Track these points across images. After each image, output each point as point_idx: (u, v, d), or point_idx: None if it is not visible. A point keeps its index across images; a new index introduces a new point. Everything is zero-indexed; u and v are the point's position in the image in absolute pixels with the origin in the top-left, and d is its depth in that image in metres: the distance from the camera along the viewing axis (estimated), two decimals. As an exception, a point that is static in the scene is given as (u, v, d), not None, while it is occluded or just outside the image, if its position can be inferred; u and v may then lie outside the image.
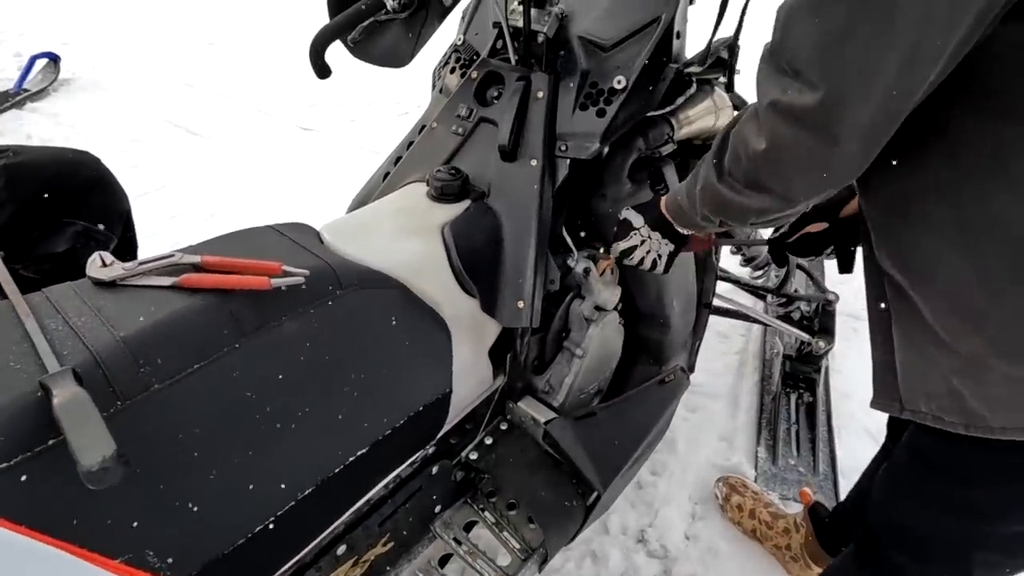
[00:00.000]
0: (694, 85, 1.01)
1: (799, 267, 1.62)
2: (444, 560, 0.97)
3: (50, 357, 0.54)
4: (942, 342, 0.61)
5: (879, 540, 0.82)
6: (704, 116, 1.10)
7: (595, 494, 0.97)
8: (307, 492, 0.67)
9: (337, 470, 0.70)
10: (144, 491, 0.55)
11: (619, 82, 0.91)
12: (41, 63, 3.60)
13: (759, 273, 1.78)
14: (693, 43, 1.02)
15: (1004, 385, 0.58)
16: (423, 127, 1.08)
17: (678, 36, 0.95)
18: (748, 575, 1.18)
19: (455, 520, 1.00)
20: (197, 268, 0.66)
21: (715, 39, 1.00)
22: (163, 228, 2.33)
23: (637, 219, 0.90)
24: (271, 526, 0.63)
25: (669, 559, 1.27)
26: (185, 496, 0.57)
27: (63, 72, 3.69)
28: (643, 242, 0.90)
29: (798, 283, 1.72)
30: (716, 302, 1.54)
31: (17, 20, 4.74)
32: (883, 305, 0.68)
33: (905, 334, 0.66)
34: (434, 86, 1.19)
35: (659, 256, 0.90)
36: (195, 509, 0.58)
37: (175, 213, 2.49)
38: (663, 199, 0.87)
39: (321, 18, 0.96)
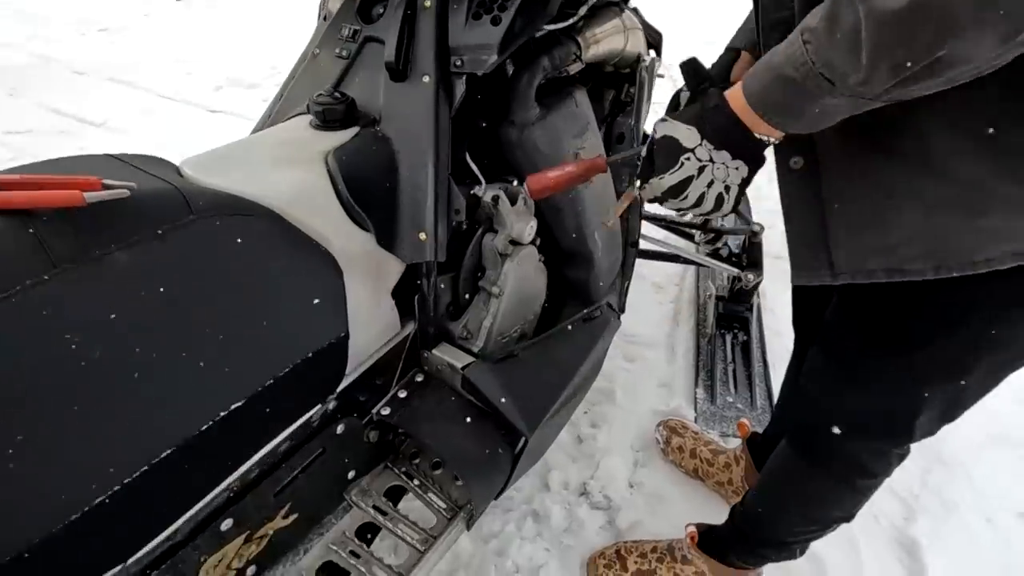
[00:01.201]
0: None
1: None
2: (363, 530, 0.88)
3: None
4: (927, 175, 0.54)
5: (827, 433, 0.77)
6: (612, 35, 1.04)
7: (523, 440, 0.90)
8: (163, 455, 0.56)
9: (204, 428, 0.59)
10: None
11: (512, -15, 0.82)
12: None
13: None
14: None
15: (1001, 214, 0.52)
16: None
17: None
18: (693, 514, 1.15)
19: (374, 487, 0.91)
20: (-9, 189, 0.53)
21: None
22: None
23: (689, 135, 0.59)
24: (115, 498, 0.52)
25: (613, 509, 1.22)
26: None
27: (-76, 62, 3.30)
28: (702, 170, 0.59)
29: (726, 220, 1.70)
30: (647, 246, 1.51)
31: None
32: (797, 161, 0.61)
33: (848, 187, 0.58)
34: (319, 17, 1.07)
35: (726, 188, 0.60)
36: (7, 485, 0.47)
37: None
38: (735, 90, 0.57)
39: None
